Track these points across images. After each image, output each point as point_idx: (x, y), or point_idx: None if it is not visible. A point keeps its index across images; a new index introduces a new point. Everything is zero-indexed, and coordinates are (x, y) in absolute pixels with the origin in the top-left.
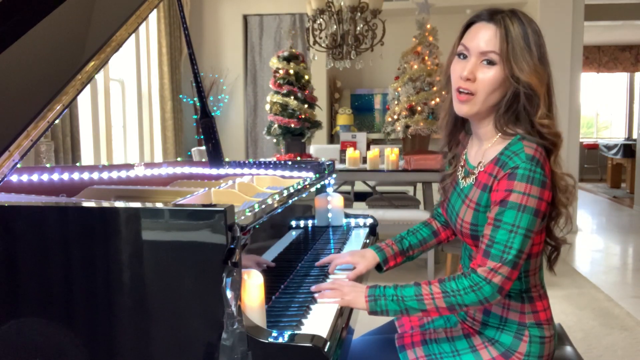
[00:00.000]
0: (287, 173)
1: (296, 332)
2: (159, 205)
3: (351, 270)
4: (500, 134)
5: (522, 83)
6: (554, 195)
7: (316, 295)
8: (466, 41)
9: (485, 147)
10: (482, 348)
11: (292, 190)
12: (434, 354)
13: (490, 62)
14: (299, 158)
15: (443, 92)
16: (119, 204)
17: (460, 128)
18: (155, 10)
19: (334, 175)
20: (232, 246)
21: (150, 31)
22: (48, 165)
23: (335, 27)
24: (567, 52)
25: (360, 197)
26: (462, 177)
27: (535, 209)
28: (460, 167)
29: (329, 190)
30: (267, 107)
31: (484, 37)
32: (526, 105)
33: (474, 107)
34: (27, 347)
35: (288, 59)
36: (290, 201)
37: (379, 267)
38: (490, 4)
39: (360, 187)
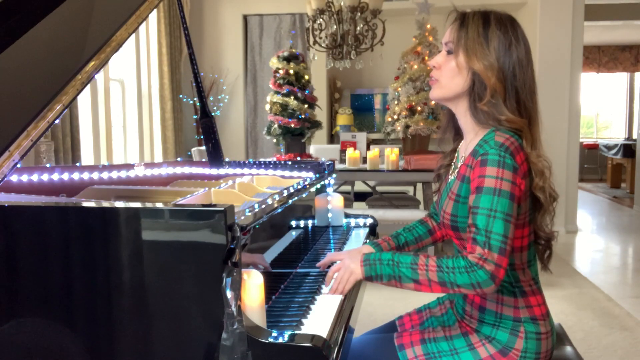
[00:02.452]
0: (287, 173)
1: (296, 332)
2: (159, 205)
3: None
4: (478, 127)
5: (474, 72)
6: (531, 182)
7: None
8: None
9: (468, 141)
10: (480, 346)
11: (292, 190)
12: (432, 352)
13: (450, 52)
14: (299, 158)
15: None
16: (119, 204)
17: (453, 122)
18: (155, 10)
19: (334, 175)
20: (232, 246)
21: (150, 31)
22: (48, 165)
23: (335, 27)
24: (567, 52)
25: (360, 197)
26: (450, 173)
27: (510, 193)
28: (452, 164)
29: (329, 190)
30: (267, 107)
31: (448, 30)
32: (478, 92)
33: (439, 92)
34: (27, 347)
35: (288, 59)
36: (290, 201)
37: None
38: (490, 4)
39: (360, 187)
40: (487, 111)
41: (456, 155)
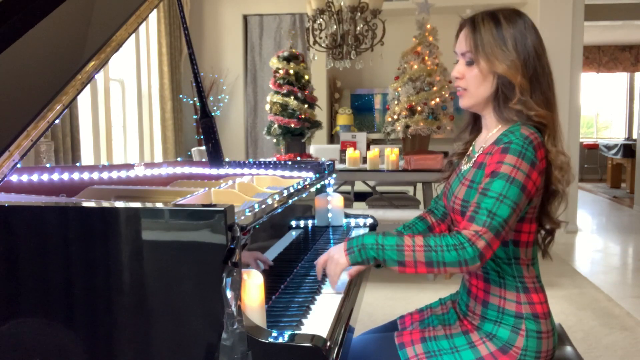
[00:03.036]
0: (287, 173)
1: (296, 332)
2: (159, 205)
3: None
4: (502, 124)
5: (498, 75)
6: (549, 174)
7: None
8: (455, 48)
9: (488, 135)
10: (481, 344)
11: (292, 190)
12: (433, 351)
13: (470, 62)
14: (299, 158)
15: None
16: (119, 204)
17: (475, 120)
18: (155, 10)
19: (334, 175)
20: (232, 246)
21: (150, 31)
22: (48, 165)
23: (335, 27)
24: (567, 52)
25: (360, 197)
26: (465, 163)
27: (522, 184)
28: (466, 156)
29: (329, 190)
30: (267, 107)
31: (462, 40)
32: (506, 93)
33: (469, 100)
34: (27, 347)
35: (288, 59)
36: (290, 201)
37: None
38: (491, 4)
39: (360, 187)
40: (519, 109)
41: (471, 148)
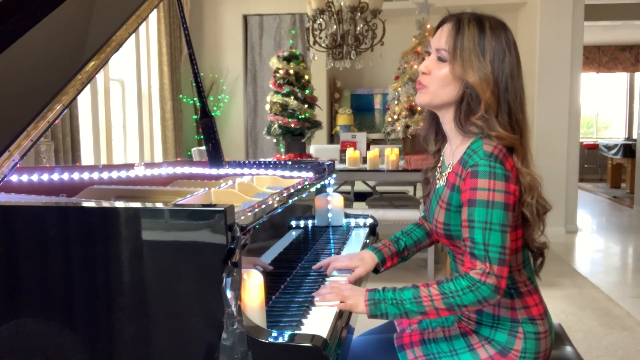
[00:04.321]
0: (287, 173)
1: (296, 332)
2: (159, 205)
3: (349, 273)
4: (462, 134)
5: (467, 83)
6: (520, 197)
7: (316, 299)
8: (432, 39)
9: (454, 147)
10: (480, 347)
11: (292, 190)
12: (432, 353)
13: (442, 59)
14: (299, 158)
15: None
16: (119, 204)
17: (438, 124)
18: (155, 10)
19: (334, 175)
20: (232, 246)
21: (150, 31)
22: (48, 165)
23: (335, 27)
24: (567, 52)
25: (360, 197)
26: (438, 178)
27: (504, 203)
28: (438, 168)
29: (329, 190)
30: (267, 107)
31: (441, 35)
32: (470, 105)
33: (425, 97)
34: (27, 347)
35: (288, 59)
36: (290, 201)
37: (375, 268)
38: (490, 4)
39: (360, 187)
40: (479, 125)
41: (441, 159)
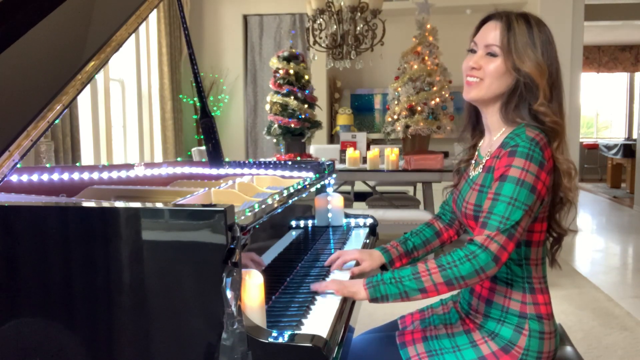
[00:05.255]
0: (287, 173)
1: (296, 332)
2: (159, 205)
3: (353, 268)
4: (506, 124)
5: (522, 74)
6: (557, 181)
7: (315, 286)
8: (476, 38)
9: (493, 138)
10: (482, 343)
11: (292, 190)
12: (434, 350)
13: (493, 54)
14: (299, 158)
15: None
16: (119, 204)
17: (477, 119)
18: (155, 10)
19: (334, 175)
20: (232, 246)
21: (150, 31)
22: (48, 165)
23: (335, 27)
24: (567, 52)
25: (360, 197)
26: (473, 168)
27: (532, 186)
28: (472, 161)
29: (329, 190)
30: (267, 107)
31: (490, 32)
32: (525, 94)
33: (480, 92)
34: (27, 347)
35: (288, 59)
36: (290, 201)
37: (384, 268)
38: (491, 4)
39: (360, 187)
40: (543, 111)
41: (477, 152)
